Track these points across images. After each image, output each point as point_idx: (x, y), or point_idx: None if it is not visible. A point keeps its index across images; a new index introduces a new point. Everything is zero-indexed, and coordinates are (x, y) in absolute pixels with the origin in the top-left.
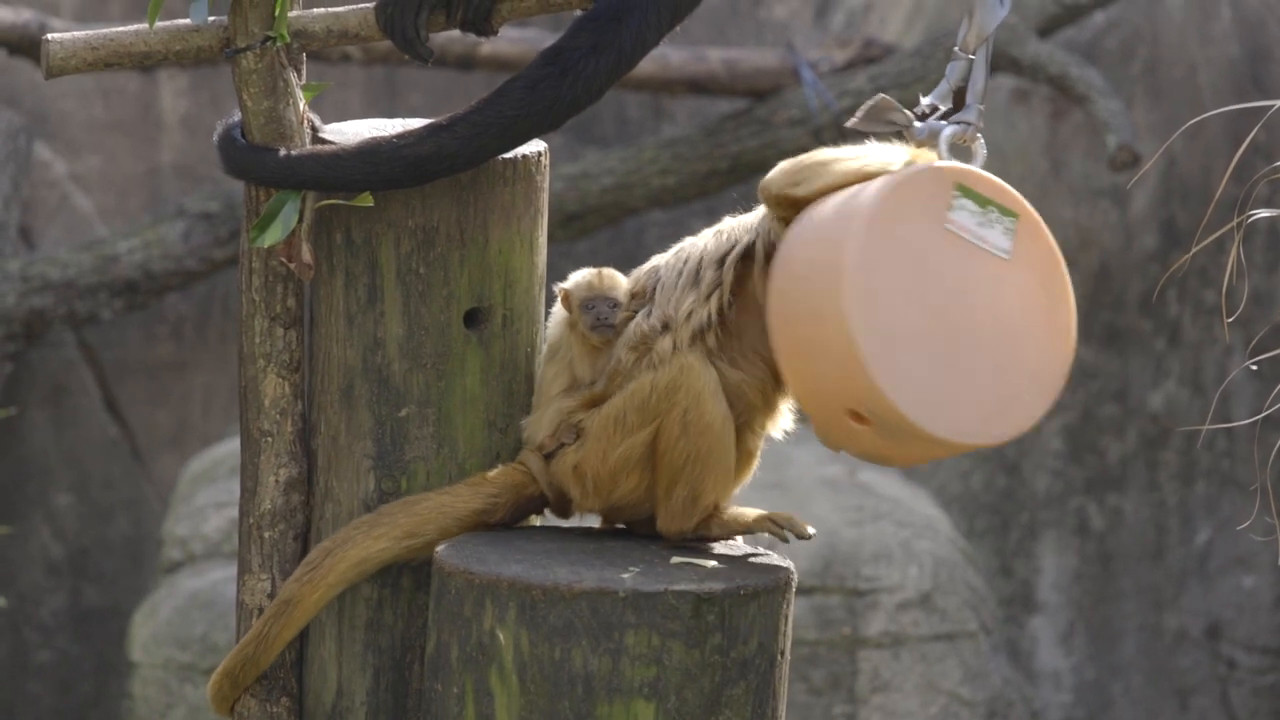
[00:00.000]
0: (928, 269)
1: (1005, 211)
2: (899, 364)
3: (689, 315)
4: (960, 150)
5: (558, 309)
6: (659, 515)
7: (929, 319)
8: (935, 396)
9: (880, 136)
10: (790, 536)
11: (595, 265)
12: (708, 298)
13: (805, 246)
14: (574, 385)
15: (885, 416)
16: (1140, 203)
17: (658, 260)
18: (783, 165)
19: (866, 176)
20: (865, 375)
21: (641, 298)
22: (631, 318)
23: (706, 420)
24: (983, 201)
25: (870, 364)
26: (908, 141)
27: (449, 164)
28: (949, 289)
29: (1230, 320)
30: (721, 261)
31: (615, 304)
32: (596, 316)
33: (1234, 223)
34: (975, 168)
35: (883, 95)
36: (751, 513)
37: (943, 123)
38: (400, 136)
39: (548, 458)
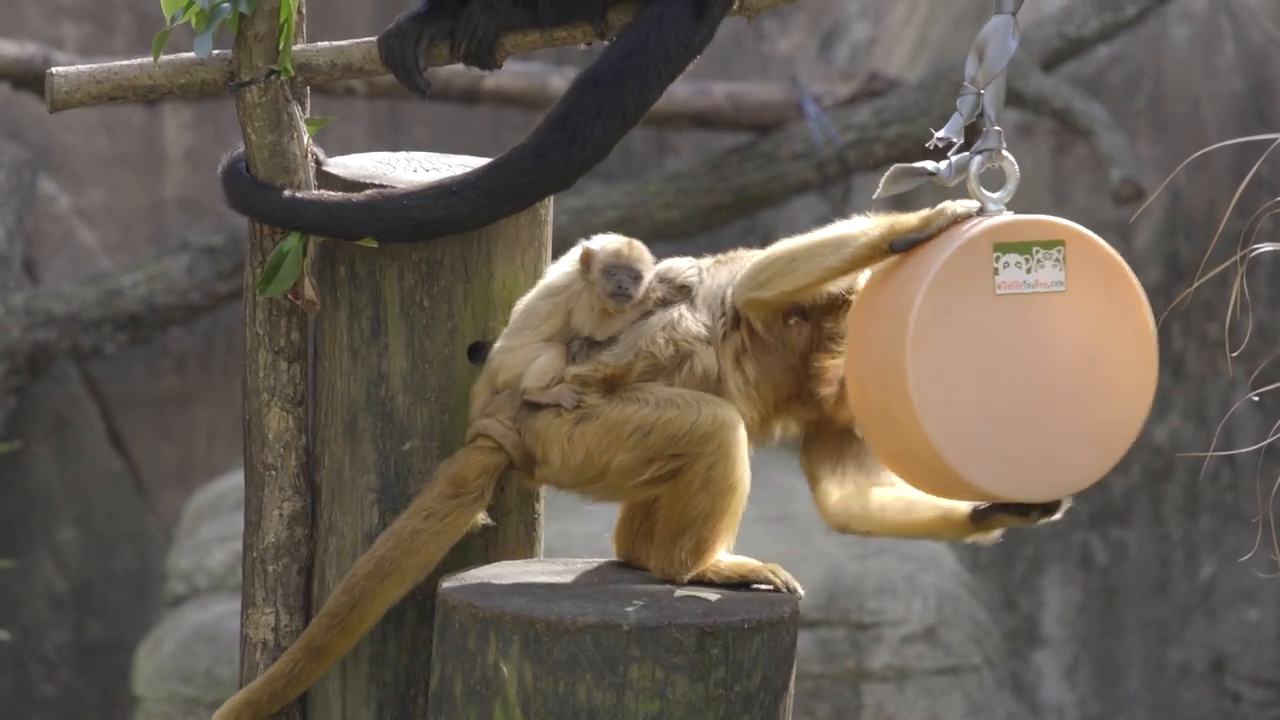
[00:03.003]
0: (993, 345)
1: (1049, 244)
2: (990, 457)
3: (726, 336)
4: (993, 175)
5: (573, 258)
6: (655, 555)
7: (1008, 392)
8: (1034, 467)
9: (921, 191)
10: (784, 588)
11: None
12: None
13: (864, 364)
14: (566, 332)
15: (975, 497)
16: (1144, 236)
17: (704, 262)
18: (747, 270)
19: (833, 273)
20: (963, 482)
21: (686, 293)
22: (660, 301)
23: (731, 481)
24: (1024, 248)
25: (966, 474)
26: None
27: (458, 228)
28: (1020, 351)
29: (1234, 354)
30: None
31: (638, 276)
32: (618, 284)
33: (1237, 256)
34: (1004, 214)
35: (896, 165)
36: (749, 563)
37: (966, 154)
38: (407, 196)
39: (529, 411)
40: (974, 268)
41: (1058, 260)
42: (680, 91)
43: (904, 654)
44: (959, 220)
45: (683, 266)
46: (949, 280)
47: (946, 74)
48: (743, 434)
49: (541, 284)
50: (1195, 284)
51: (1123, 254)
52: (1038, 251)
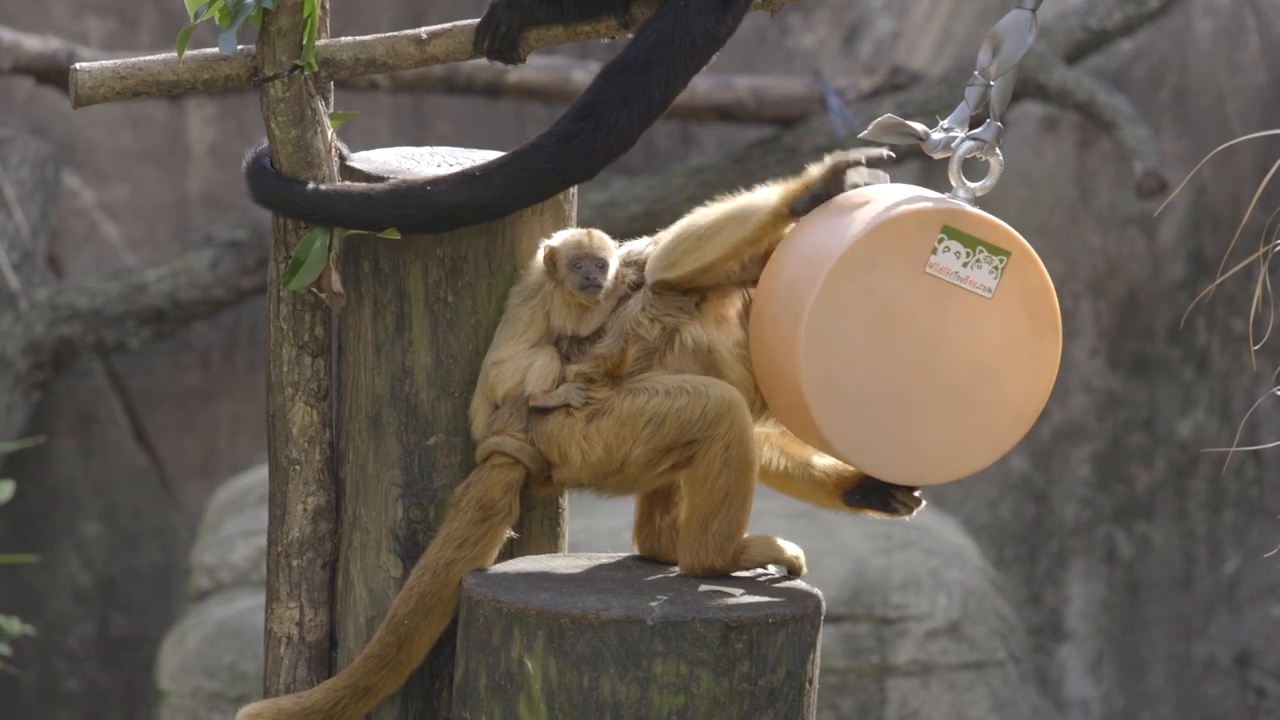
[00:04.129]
0: (898, 315)
1: (994, 250)
2: (848, 413)
3: (699, 304)
4: (978, 166)
5: (539, 260)
6: (687, 550)
7: (891, 365)
8: (884, 444)
9: (897, 148)
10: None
11: None
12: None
13: (779, 280)
14: (551, 333)
15: (825, 451)
16: (1168, 231)
17: (661, 236)
18: (657, 250)
19: (742, 245)
20: (812, 423)
21: (623, 282)
22: (632, 284)
23: (749, 459)
24: (970, 242)
25: (817, 415)
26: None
27: (480, 214)
28: (920, 333)
29: (1258, 348)
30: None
31: (603, 264)
32: (585, 276)
33: (1261, 251)
34: (969, 202)
35: (889, 115)
36: (774, 542)
37: (957, 135)
38: (432, 182)
39: (539, 410)
40: (916, 237)
41: (996, 268)
42: (703, 85)
43: (928, 649)
44: (839, 170)
45: (642, 246)
46: (888, 236)
47: (970, 68)
48: (748, 411)
49: (514, 290)
50: (1219, 279)
51: (1147, 248)
52: (980, 251)
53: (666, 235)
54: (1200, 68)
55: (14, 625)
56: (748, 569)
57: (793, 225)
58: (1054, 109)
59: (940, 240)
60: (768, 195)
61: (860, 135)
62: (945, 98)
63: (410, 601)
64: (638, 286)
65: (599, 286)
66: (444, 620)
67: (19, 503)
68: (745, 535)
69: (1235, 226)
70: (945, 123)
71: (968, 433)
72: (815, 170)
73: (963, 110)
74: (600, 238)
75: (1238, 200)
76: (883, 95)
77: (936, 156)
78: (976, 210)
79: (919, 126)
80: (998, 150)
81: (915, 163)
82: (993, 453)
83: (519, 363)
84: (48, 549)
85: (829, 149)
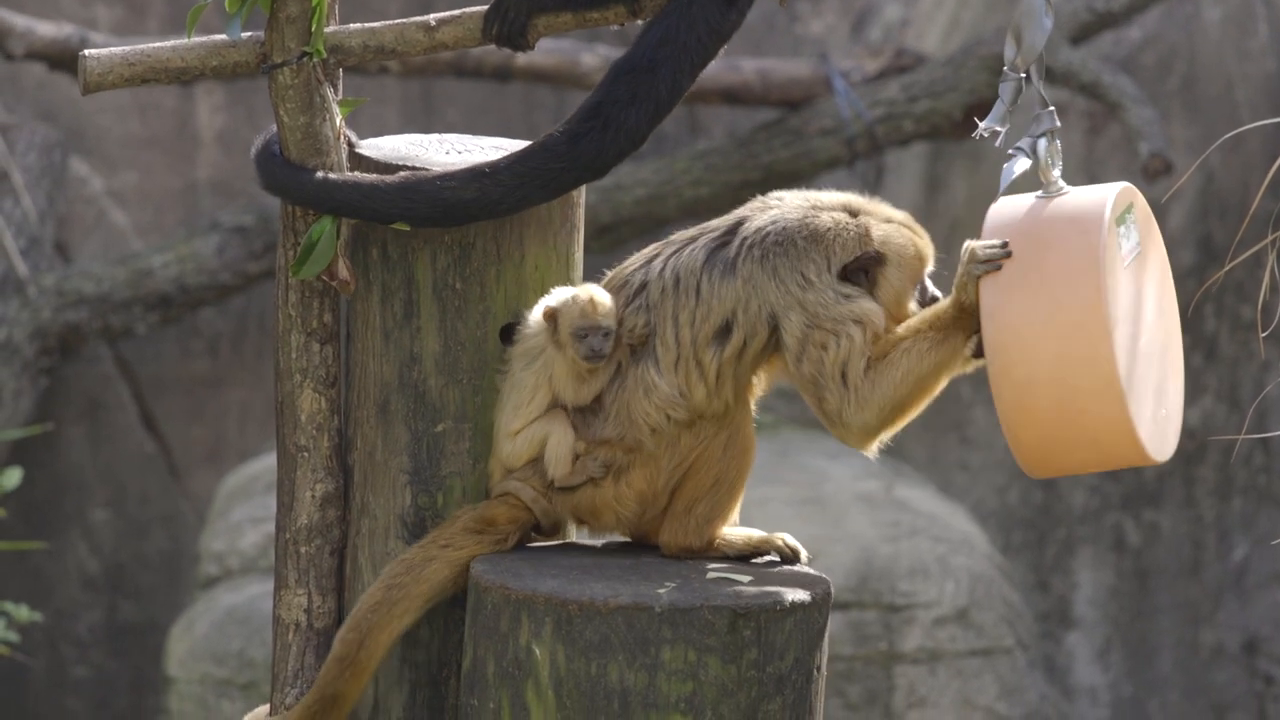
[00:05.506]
0: (1135, 314)
1: (1129, 210)
2: (1152, 427)
3: (708, 374)
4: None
5: (539, 315)
6: (667, 528)
7: (1153, 358)
8: (1165, 430)
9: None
10: (798, 557)
11: None
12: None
13: (1035, 359)
14: (555, 404)
15: (1136, 462)
16: (1177, 218)
17: (638, 272)
18: (863, 421)
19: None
20: (1146, 458)
21: (633, 333)
22: (627, 351)
23: (744, 445)
24: (1121, 218)
25: (1149, 449)
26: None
27: (490, 211)
28: (1148, 316)
29: (1266, 335)
30: (723, 341)
31: (609, 333)
32: (590, 348)
33: (1270, 238)
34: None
35: (1011, 152)
36: (756, 534)
37: (1033, 140)
38: (442, 178)
39: (563, 490)
40: (1110, 243)
41: (1133, 223)
42: (709, 68)
43: (936, 636)
44: (989, 270)
45: (614, 281)
46: (1108, 263)
47: (975, 49)
48: (750, 408)
49: (517, 349)
50: (1227, 266)
51: None
52: (1128, 217)
53: (871, 391)
54: (1209, 55)
55: (22, 612)
56: (721, 557)
57: (989, 303)
58: (1063, 95)
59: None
60: (938, 343)
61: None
62: (950, 80)
63: (377, 593)
64: (632, 353)
65: (603, 356)
66: (405, 619)
67: (27, 489)
68: (728, 526)
69: (1244, 213)
70: (984, 124)
71: (1177, 378)
72: (960, 288)
73: (999, 108)
74: (602, 302)
75: (1246, 187)
76: (888, 77)
77: (1019, 170)
78: (1104, 188)
79: (1008, 166)
80: (1057, 138)
81: (922, 148)
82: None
83: (532, 434)
84: (56, 536)
85: (834, 132)
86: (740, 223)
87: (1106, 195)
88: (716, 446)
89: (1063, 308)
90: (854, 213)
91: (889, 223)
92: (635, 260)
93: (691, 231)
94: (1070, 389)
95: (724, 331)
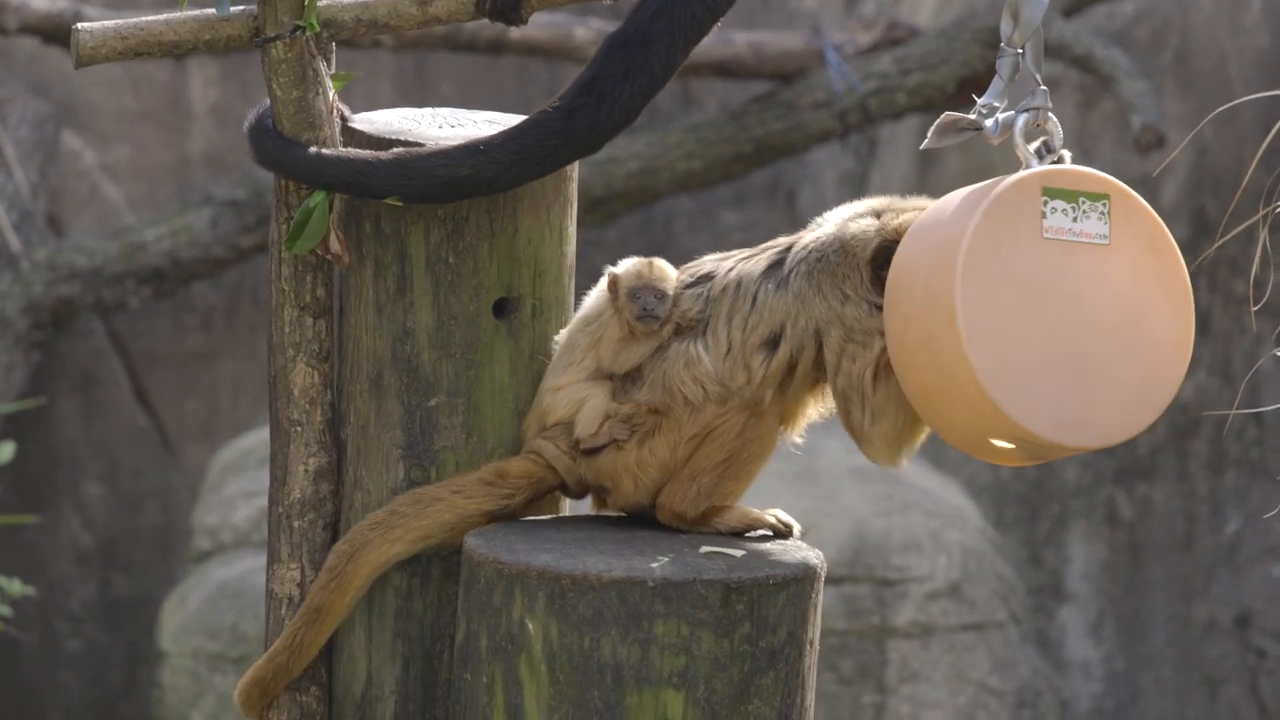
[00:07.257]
0: (1038, 285)
1: (1094, 196)
2: (1032, 394)
3: (754, 376)
4: (1036, 133)
5: (602, 286)
6: (668, 489)
7: (1051, 334)
8: (1074, 413)
9: (954, 146)
10: (791, 531)
11: (627, 255)
12: (773, 370)
13: (910, 298)
14: (599, 369)
15: (1030, 441)
16: (1170, 192)
17: (709, 262)
18: (883, 441)
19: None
20: (1003, 417)
21: (686, 315)
22: (675, 330)
23: (765, 434)
24: (1071, 197)
25: (1007, 407)
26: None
27: (484, 188)
28: (1064, 296)
29: (1258, 309)
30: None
31: (663, 295)
32: (643, 307)
33: (1262, 213)
34: (1066, 164)
35: (946, 112)
36: (751, 512)
37: (1012, 113)
38: (435, 154)
39: (589, 451)
40: (1023, 208)
41: (1103, 214)
42: (702, 41)
43: (929, 610)
44: None
45: (689, 297)
46: (999, 215)
47: (968, 22)
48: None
49: (578, 314)
50: (1220, 240)
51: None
52: (1084, 202)
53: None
54: (1202, 29)
55: (15, 586)
56: (713, 531)
57: (900, 250)
58: (1056, 69)
59: (1045, 203)
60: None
61: (924, 148)
62: (943, 52)
63: (381, 515)
64: (679, 331)
65: (656, 317)
66: (396, 546)
67: (19, 463)
68: (729, 504)
69: (1236, 188)
70: (982, 101)
71: (1138, 378)
72: None
73: (997, 84)
74: (661, 268)
75: (1239, 161)
76: (881, 50)
77: (996, 141)
78: (1065, 165)
79: (972, 117)
80: (1050, 114)
81: (913, 144)
82: (1168, 389)
83: (573, 394)
84: (49, 510)
85: (827, 104)
86: (796, 240)
87: (1037, 169)
88: (736, 424)
89: (932, 248)
90: (878, 213)
91: (908, 212)
92: (714, 255)
93: (763, 245)
94: (929, 333)
95: (772, 343)
